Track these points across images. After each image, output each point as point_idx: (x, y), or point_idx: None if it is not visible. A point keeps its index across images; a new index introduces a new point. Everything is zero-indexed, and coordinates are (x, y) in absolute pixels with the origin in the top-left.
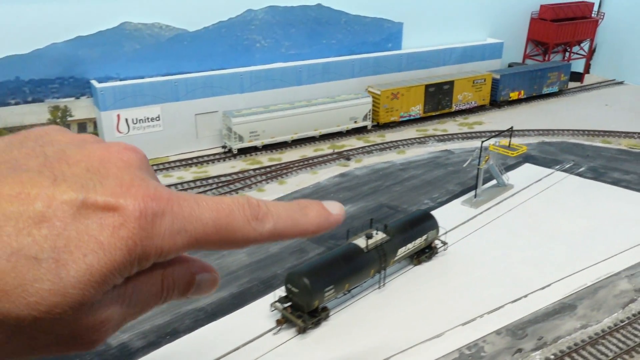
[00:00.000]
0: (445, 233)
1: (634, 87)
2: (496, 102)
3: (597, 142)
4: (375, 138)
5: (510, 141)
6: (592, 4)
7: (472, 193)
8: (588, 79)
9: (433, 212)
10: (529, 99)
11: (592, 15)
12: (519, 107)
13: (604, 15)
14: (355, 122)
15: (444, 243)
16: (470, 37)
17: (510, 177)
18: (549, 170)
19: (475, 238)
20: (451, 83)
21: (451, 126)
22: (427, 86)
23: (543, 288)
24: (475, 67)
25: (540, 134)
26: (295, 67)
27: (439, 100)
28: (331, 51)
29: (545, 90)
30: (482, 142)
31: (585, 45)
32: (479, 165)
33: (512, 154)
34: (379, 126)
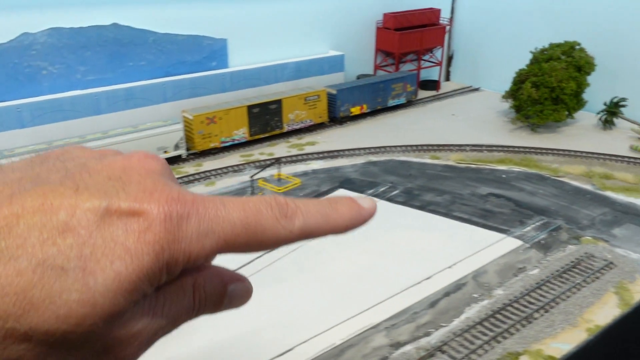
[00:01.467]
0: None
1: (488, 93)
2: (336, 119)
3: (426, 159)
4: (189, 168)
5: (279, 174)
6: (439, 11)
7: None
8: (448, 87)
9: None
10: (374, 112)
11: (441, 22)
12: (362, 122)
13: (451, 22)
14: (166, 152)
15: None
16: (312, 50)
17: None
18: (356, 196)
19: None
20: (279, 102)
21: (281, 149)
22: (250, 107)
23: (283, 354)
24: (315, 82)
25: (370, 153)
26: (91, 94)
27: (266, 121)
28: (142, 74)
29: (391, 103)
30: (252, 177)
31: (438, 53)
32: None
33: (280, 189)
34: (200, 154)
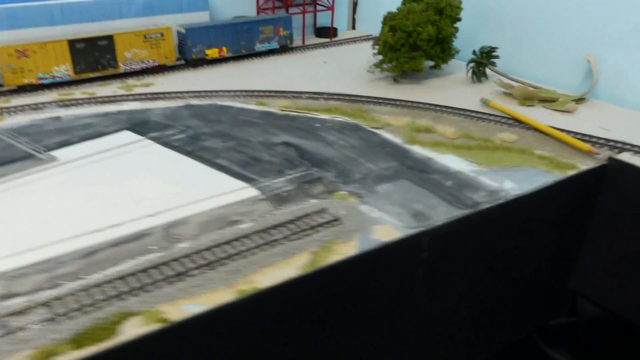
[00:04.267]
0: None
1: None
2: (189, 61)
3: (252, 104)
4: None
5: None
6: None
7: None
8: (349, 35)
9: None
10: (240, 57)
11: None
12: (220, 66)
13: None
14: None
15: None
16: None
17: (86, 147)
18: (136, 138)
19: None
20: (110, 38)
21: (109, 89)
22: (73, 42)
23: None
24: (172, 20)
25: (195, 96)
26: None
27: (96, 58)
28: None
29: (260, 47)
30: None
31: None
32: None
33: None
34: (17, 90)
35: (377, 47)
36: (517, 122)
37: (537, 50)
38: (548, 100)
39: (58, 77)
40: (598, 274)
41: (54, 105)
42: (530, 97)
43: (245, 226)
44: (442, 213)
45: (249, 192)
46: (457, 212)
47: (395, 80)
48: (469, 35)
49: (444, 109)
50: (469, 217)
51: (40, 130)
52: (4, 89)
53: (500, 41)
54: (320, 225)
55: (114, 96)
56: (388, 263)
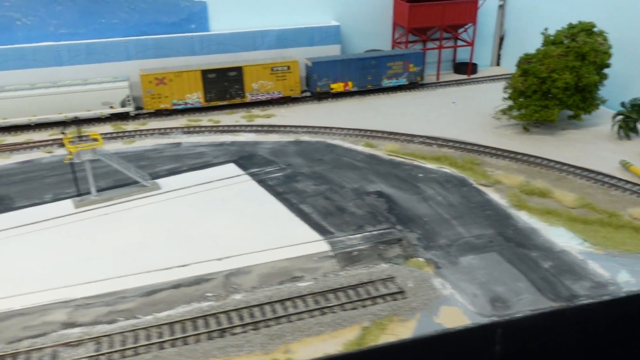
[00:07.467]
0: None
1: None
2: (315, 94)
3: (360, 145)
4: (131, 126)
5: (79, 134)
6: None
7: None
8: (491, 72)
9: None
10: (366, 92)
11: None
12: (343, 101)
13: None
14: (112, 107)
15: None
16: (314, 20)
17: (190, 177)
18: (238, 172)
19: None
20: (239, 69)
21: (233, 118)
22: (205, 72)
23: None
24: (303, 52)
25: (307, 132)
26: (52, 47)
27: (225, 88)
28: (115, 31)
29: (387, 83)
30: (62, 133)
31: (471, 31)
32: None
33: (74, 148)
34: (154, 113)
35: (509, 91)
36: None
37: None
38: None
39: (190, 103)
40: None
41: (179, 132)
42: None
43: (304, 285)
44: (527, 303)
45: (320, 246)
46: (545, 305)
47: (525, 129)
48: (623, 83)
49: (571, 169)
50: (559, 313)
51: (159, 155)
52: (144, 112)
53: None
54: (382, 296)
55: (234, 126)
56: (450, 353)
